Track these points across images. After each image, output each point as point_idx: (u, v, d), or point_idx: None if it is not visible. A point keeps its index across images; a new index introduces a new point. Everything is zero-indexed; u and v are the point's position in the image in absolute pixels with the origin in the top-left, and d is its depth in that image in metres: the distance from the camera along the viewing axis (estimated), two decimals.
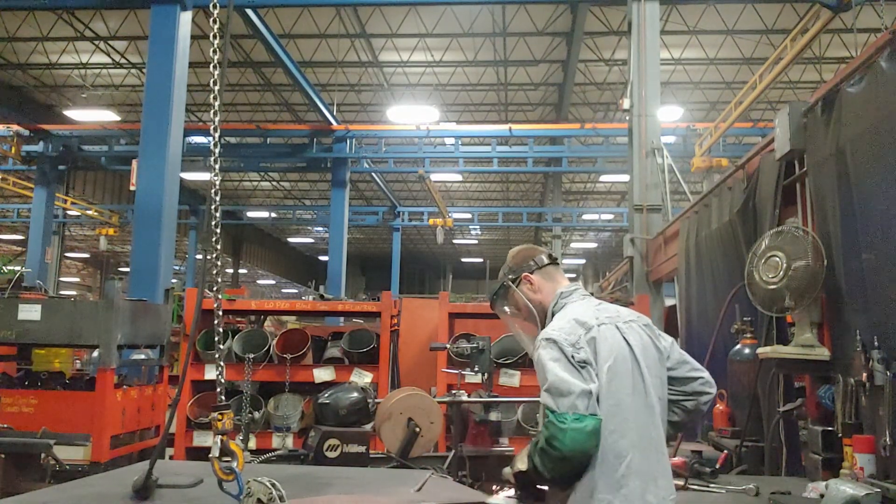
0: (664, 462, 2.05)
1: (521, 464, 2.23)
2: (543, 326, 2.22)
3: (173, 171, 8.74)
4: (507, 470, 2.41)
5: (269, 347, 5.58)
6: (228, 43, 2.68)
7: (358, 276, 39.29)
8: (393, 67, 17.76)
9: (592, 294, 2.43)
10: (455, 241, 35.13)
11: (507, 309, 2.41)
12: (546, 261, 2.35)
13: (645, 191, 8.51)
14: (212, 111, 2.55)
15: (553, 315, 2.23)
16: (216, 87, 2.56)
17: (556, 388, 1.95)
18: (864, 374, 2.80)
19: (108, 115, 17.84)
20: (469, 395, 3.75)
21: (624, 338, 2.08)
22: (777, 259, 3.30)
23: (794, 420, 3.74)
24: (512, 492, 2.54)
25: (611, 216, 26.44)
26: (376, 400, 3.73)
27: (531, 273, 2.33)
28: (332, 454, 3.46)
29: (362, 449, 3.51)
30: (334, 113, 16.47)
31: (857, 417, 2.89)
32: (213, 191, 2.52)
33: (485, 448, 3.39)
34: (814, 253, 3.21)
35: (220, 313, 2.56)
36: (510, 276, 2.37)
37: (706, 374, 2.27)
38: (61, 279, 24.68)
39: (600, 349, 2.03)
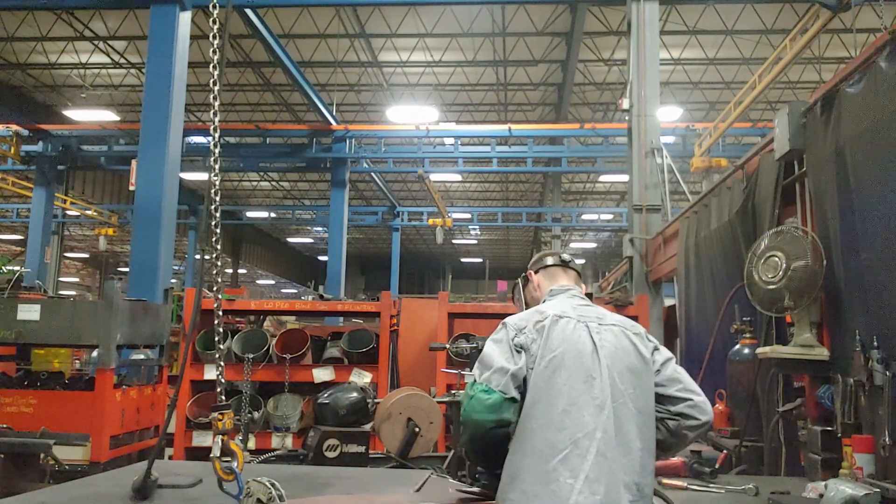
0: (612, 468, 1.92)
1: None
2: None
3: (173, 171, 8.74)
4: None
5: (269, 347, 5.58)
6: (227, 43, 2.67)
7: (357, 276, 39.28)
8: (392, 67, 17.76)
9: (591, 294, 2.46)
10: (454, 241, 35.14)
11: (514, 305, 2.56)
12: (550, 262, 2.45)
13: (644, 191, 8.51)
14: (211, 111, 2.55)
15: None
16: (215, 87, 2.56)
17: (482, 361, 2.08)
18: (864, 374, 2.80)
19: (108, 115, 17.83)
20: None
21: (591, 337, 2.06)
22: (776, 259, 3.30)
23: (793, 420, 3.74)
24: None
25: (610, 216, 26.46)
26: (376, 400, 3.73)
27: (535, 273, 2.46)
28: (331, 454, 3.46)
29: (362, 449, 3.52)
30: (334, 113, 16.46)
31: (857, 417, 2.89)
32: (212, 191, 2.53)
33: None
34: (813, 253, 3.21)
35: (220, 313, 2.56)
36: (522, 275, 2.55)
37: (698, 399, 2.15)
38: (61, 279, 24.64)
39: (550, 339, 2.05)
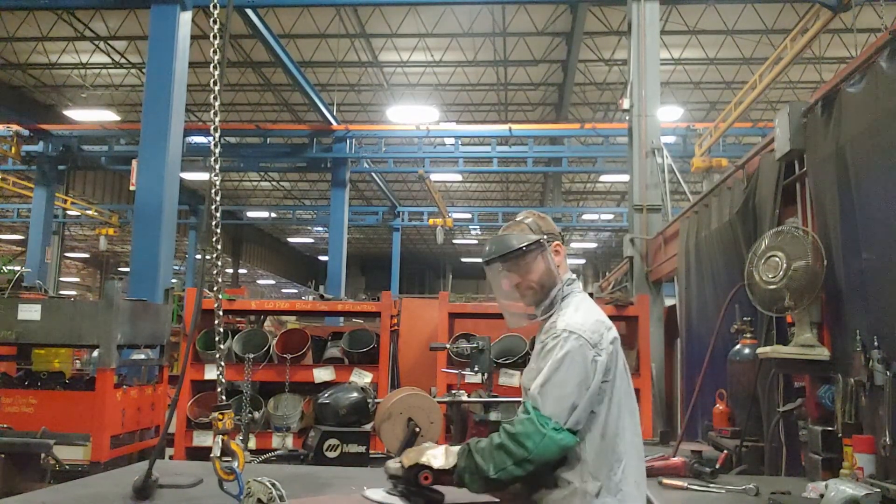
0: (643, 464, 2.11)
1: (438, 460, 2.06)
2: (539, 305, 2.14)
3: (173, 171, 8.74)
4: (391, 464, 2.24)
5: (269, 347, 5.58)
6: (228, 43, 2.67)
7: (358, 276, 39.26)
8: (393, 67, 17.76)
9: (591, 294, 2.44)
10: (455, 241, 35.13)
11: (516, 269, 2.14)
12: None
13: (645, 191, 8.51)
14: (212, 111, 2.54)
15: (553, 300, 2.13)
16: (216, 87, 2.55)
17: (552, 389, 1.89)
18: (865, 374, 2.80)
19: (108, 115, 17.84)
20: (469, 395, 3.75)
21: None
22: (777, 259, 3.30)
23: (793, 420, 3.74)
24: (387, 487, 2.34)
25: (611, 216, 26.45)
26: (376, 400, 3.73)
27: (562, 244, 2.21)
28: (332, 454, 3.46)
29: (362, 449, 3.52)
30: (334, 113, 16.47)
31: (857, 417, 2.89)
32: (213, 191, 2.52)
33: None
34: (814, 253, 3.21)
35: (221, 313, 2.56)
36: (543, 238, 2.15)
37: None
38: (61, 279, 24.66)
39: (617, 349, 2.03)
